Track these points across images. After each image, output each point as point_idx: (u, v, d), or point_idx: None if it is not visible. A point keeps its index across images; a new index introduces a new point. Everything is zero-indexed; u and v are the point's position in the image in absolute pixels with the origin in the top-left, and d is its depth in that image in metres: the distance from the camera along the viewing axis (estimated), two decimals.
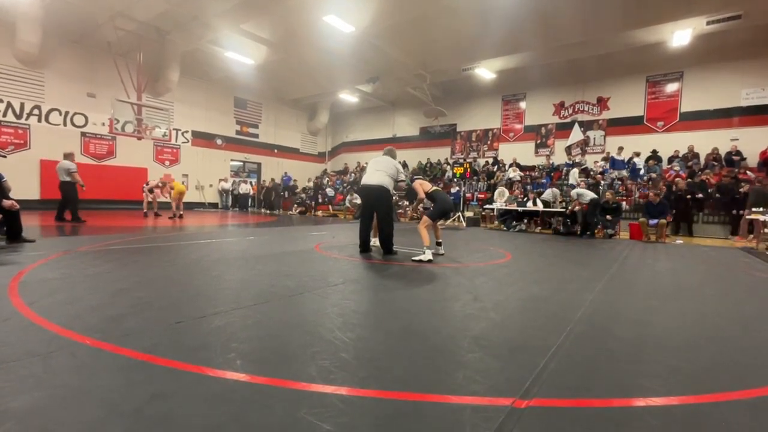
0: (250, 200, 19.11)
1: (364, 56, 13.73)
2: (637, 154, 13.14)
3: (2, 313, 2.32)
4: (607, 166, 13.35)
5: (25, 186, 12.22)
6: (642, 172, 12.78)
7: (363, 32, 11.74)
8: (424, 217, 5.31)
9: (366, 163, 20.64)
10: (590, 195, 9.51)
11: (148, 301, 2.66)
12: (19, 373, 1.58)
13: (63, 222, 8.43)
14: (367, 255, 5.12)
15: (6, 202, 5.01)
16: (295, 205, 17.95)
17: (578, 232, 9.56)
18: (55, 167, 8.80)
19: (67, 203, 8.60)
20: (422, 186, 5.46)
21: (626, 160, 13.31)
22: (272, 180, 19.47)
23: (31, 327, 2.11)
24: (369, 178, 5.14)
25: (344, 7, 10.61)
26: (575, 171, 13.02)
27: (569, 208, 9.85)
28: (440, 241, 5.54)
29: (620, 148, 13.48)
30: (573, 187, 11.05)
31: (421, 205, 5.91)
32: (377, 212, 5.28)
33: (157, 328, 2.16)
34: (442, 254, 5.38)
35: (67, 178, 8.47)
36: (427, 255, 4.76)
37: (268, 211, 17.95)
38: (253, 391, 1.51)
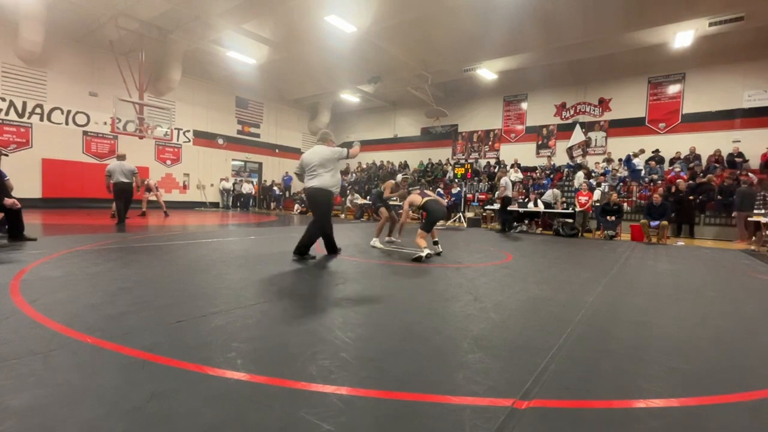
0: (251, 200, 19.15)
1: (365, 56, 13.74)
2: (636, 155, 13.11)
3: (4, 311, 2.33)
4: (609, 167, 13.31)
5: (26, 185, 12.26)
6: (643, 173, 12.75)
7: (364, 32, 11.75)
8: (419, 230, 5.17)
9: (367, 164, 20.73)
10: (509, 191, 10.20)
11: (149, 300, 2.67)
12: (20, 371, 1.58)
13: (126, 221, 8.58)
14: (370, 255, 5.10)
15: (8, 201, 5.03)
16: (297, 205, 17.98)
17: (578, 233, 9.59)
18: (105, 168, 8.79)
19: (127, 203, 8.70)
20: (413, 200, 5.40)
21: (624, 160, 13.27)
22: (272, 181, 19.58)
23: (33, 325, 2.11)
24: (308, 180, 4.62)
25: (346, 7, 10.63)
26: (580, 174, 12.93)
27: (497, 195, 10.44)
28: (437, 239, 5.55)
29: (641, 150, 13.14)
30: (578, 190, 11.08)
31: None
32: (313, 213, 4.79)
33: (157, 327, 2.16)
34: (440, 252, 5.38)
35: (126, 180, 8.56)
36: (425, 251, 4.84)
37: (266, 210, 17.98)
38: (253, 390, 1.51)
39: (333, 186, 4.63)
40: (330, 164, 4.57)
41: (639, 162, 12.95)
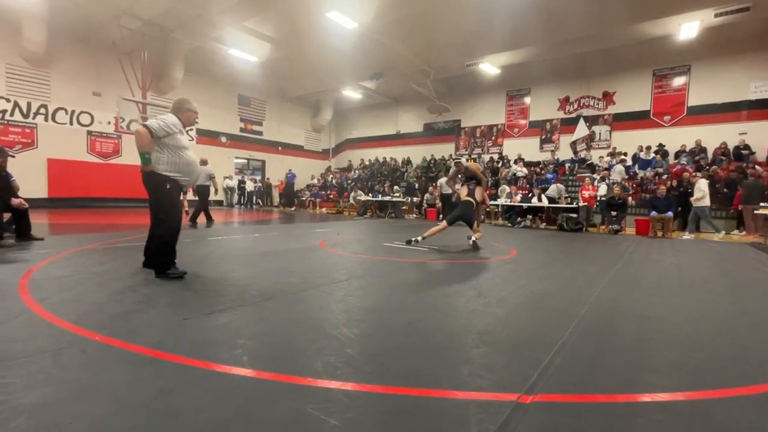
0: (254, 197, 19.23)
1: (367, 52, 13.68)
2: (641, 150, 13.07)
3: (13, 309, 2.36)
4: (613, 161, 13.21)
5: (32, 185, 12.32)
6: (652, 164, 12.71)
7: (366, 28, 11.69)
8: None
9: (370, 161, 20.71)
10: (445, 190, 10.84)
11: (155, 298, 2.69)
12: (31, 368, 1.60)
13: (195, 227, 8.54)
14: (374, 252, 5.07)
15: (15, 201, 5.08)
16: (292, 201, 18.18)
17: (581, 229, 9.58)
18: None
19: (204, 206, 9.12)
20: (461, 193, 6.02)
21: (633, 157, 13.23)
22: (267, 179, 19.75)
23: (42, 324, 2.14)
24: None
25: (347, 3, 10.57)
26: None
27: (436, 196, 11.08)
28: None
29: (647, 147, 13.22)
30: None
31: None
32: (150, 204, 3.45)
33: (164, 324, 2.18)
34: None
35: (207, 183, 9.11)
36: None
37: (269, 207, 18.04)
38: (259, 386, 1.52)
39: (165, 170, 3.37)
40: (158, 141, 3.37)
41: (643, 155, 12.92)
